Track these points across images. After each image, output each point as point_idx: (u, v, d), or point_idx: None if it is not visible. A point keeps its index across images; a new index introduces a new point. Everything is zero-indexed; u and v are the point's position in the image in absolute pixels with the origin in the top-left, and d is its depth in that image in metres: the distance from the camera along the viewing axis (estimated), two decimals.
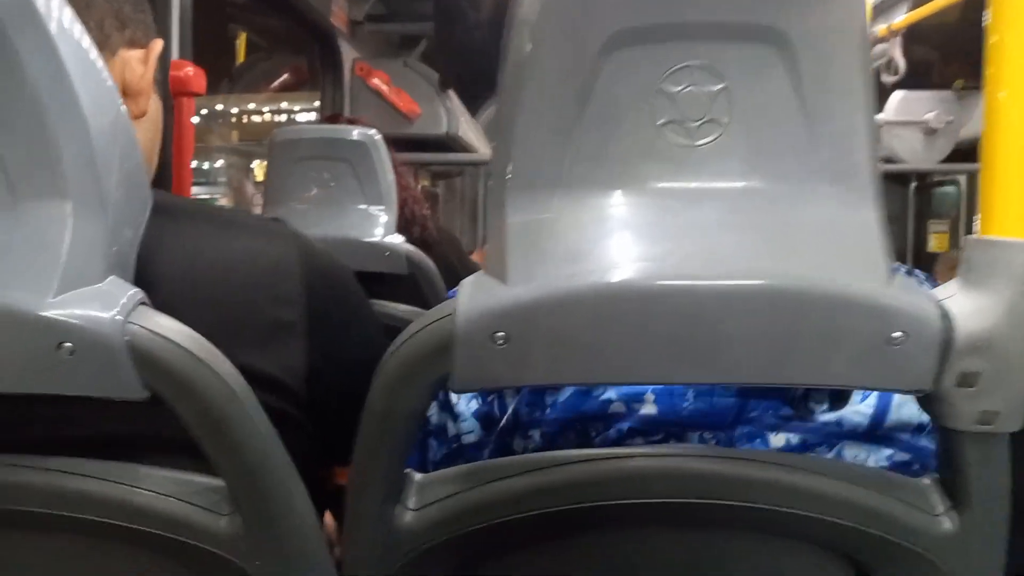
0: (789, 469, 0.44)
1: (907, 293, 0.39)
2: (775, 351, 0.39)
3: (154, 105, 0.60)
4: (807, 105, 0.40)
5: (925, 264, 3.34)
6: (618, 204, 0.41)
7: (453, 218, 4.39)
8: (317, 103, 2.45)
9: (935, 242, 3.25)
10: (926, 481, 0.44)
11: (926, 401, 0.41)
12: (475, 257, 2.08)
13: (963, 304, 0.40)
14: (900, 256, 3.40)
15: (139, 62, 0.57)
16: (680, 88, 0.40)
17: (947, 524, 0.43)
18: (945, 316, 0.39)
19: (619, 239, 0.41)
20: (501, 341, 0.39)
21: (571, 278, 0.39)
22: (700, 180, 0.41)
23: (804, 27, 0.40)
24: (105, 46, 0.55)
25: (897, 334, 0.38)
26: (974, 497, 0.42)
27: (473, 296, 0.40)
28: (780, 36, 0.40)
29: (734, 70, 0.40)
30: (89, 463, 0.45)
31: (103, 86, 0.43)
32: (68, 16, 0.42)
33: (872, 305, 0.38)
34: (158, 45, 0.59)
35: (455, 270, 1.47)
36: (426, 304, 1.31)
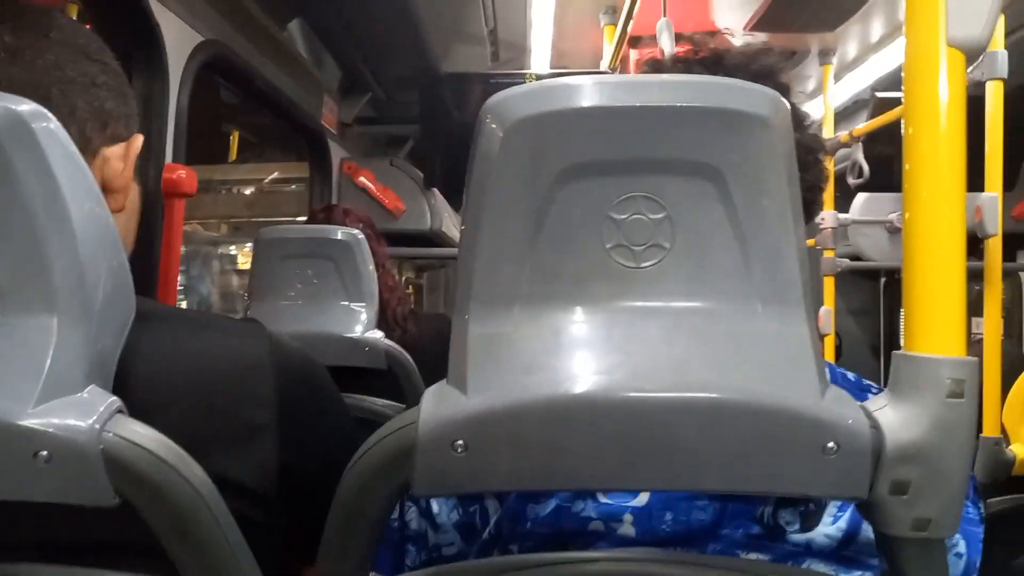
0: (747, 575, 0.46)
1: (839, 405, 0.42)
2: (719, 459, 0.42)
3: (132, 194, 0.60)
4: (741, 231, 0.44)
5: None
6: (572, 320, 0.44)
7: (436, 307, 4.44)
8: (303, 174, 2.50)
9: None
10: None
11: (864, 508, 0.43)
12: None
13: (892, 415, 0.42)
14: (874, 350, 3.45)
15: (119, 159, 0.57)
16: (626, 216, 0.44)
17: None
18: (875, 427, 0.42)
19: (572, 352, 0.43)
20: (460, 449, 0.42)
21: (527, 389, 0.42)
22: (646, 299, 0.45)
23: (735, 162, 0.44)
24: (87, 150, 0.55)
25: (831, 444, 0.41)
26: None
27: (435, 405, 0.43)
28: (714, 171, 0.44)
29: (674, 200, 0.44)
30: (52, 568, 0.45)
31: (93, 198, 0.45)
32: (62, 134, 0.44)
33: (806, 417, 0.41)
34: (138, 140, 0.59)
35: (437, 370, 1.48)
36: (405, 399, 1.32)
